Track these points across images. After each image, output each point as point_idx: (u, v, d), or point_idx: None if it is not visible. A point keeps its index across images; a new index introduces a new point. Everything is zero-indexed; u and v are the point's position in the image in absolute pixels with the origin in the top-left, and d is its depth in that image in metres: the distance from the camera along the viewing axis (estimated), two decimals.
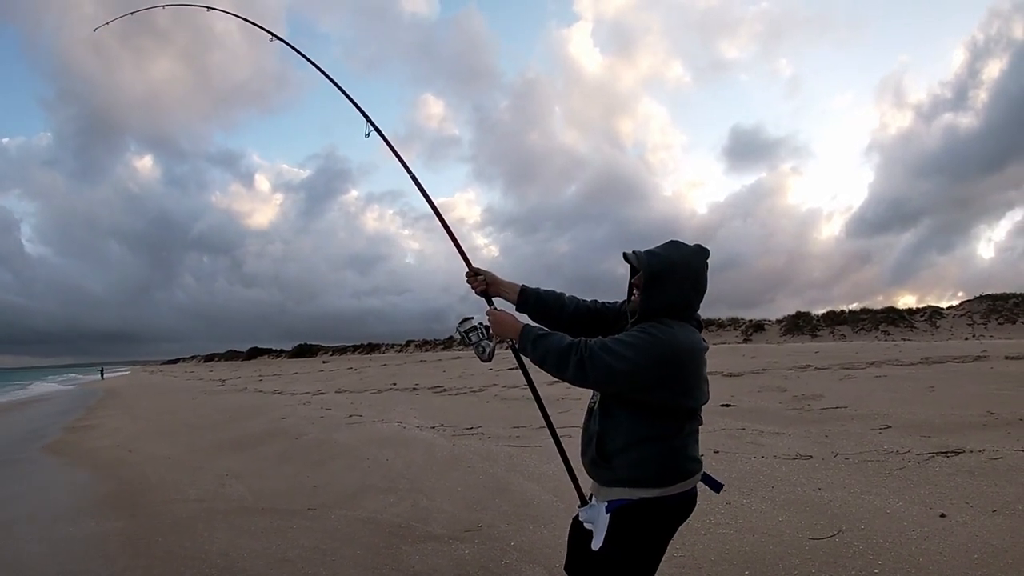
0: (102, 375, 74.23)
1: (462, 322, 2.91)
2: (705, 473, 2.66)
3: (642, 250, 2.59)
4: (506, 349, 2.91)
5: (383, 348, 79.52)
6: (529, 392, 3.11)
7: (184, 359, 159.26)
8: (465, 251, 3.21)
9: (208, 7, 5.20)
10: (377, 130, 3.71)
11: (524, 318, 2.86)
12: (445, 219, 3.34)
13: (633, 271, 2.64)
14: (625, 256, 2.64)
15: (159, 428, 14.18)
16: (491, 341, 2.86)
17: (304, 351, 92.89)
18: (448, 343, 67.02)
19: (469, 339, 2.88)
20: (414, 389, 19.87)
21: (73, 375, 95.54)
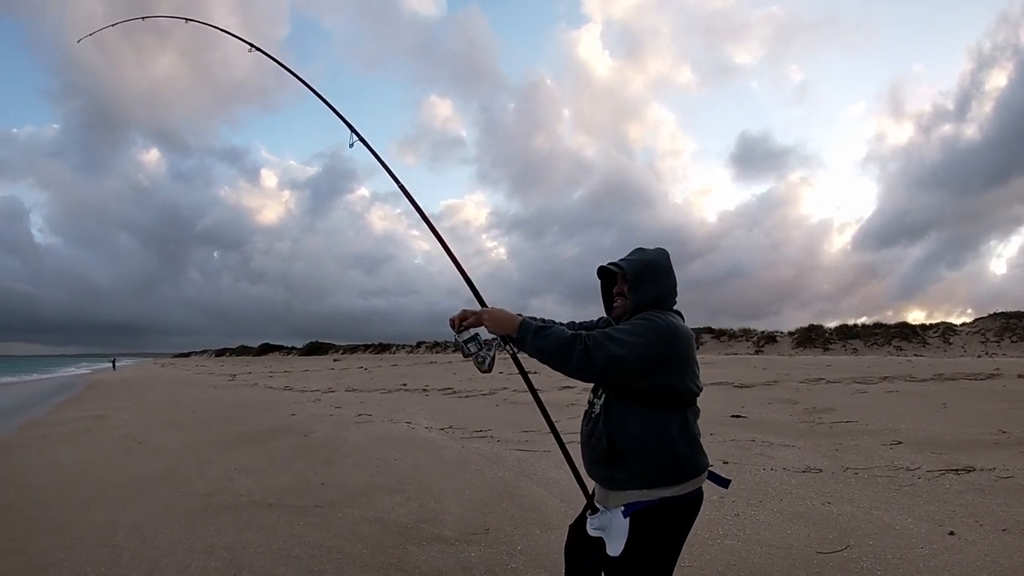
0: (114, 366, 74.55)
1: (461, 331, 2.83)
2: (711, 470, 2.70)
3: (614, 261, 2.78)
4: (504, 356, 2.87)
5: (394, 348, 79.74)
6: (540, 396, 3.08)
7: (195, 353, 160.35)
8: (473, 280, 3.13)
9: (187, 19, 5.23)
10: (362, 140, 3.68)
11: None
12: (439, 232, 3.29)
13: (609, 283, 2.87)
14: (603, 269, 2.82)
15: (169, 420, 14.21)
16: (491, 351, 2.81)
17: (315, 349, 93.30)
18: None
19: (468, 349, 2.81)
20: (424, 390, 19.91)
21: (87, 364, 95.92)
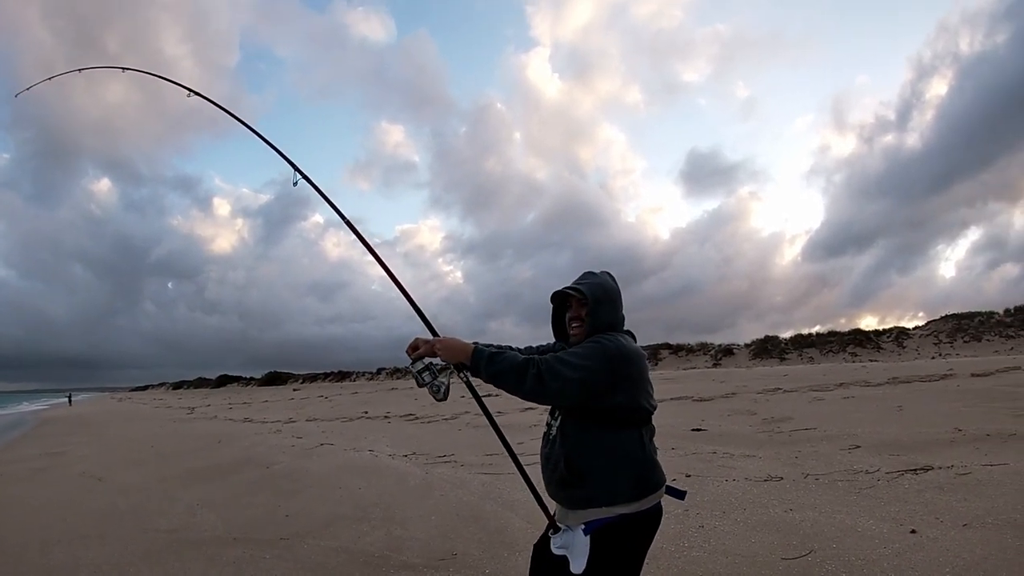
0: (70, 401, 73.00)
1: (414, 362, 2.85)
2: (668, 485, 2.75)
3: (569, 285, 2.82)
4: (460, 380, 2.88)
5: (354, 376, 79.07)
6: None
7: (152, 386, 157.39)
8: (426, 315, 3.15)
9: (124, 68, 5.24)
10: (306, 179, 3.70)
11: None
12: (377, 251, 3.33)
13: (561, 307, 2.93)
14: (557, 294, 2.88)
15: (128, 456, 13.93)
16: (444, 380, 2.82)
17: (274, 379, 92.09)
18: None
19: (423, 379, 2.81)
20: (386, 417, 19.78)
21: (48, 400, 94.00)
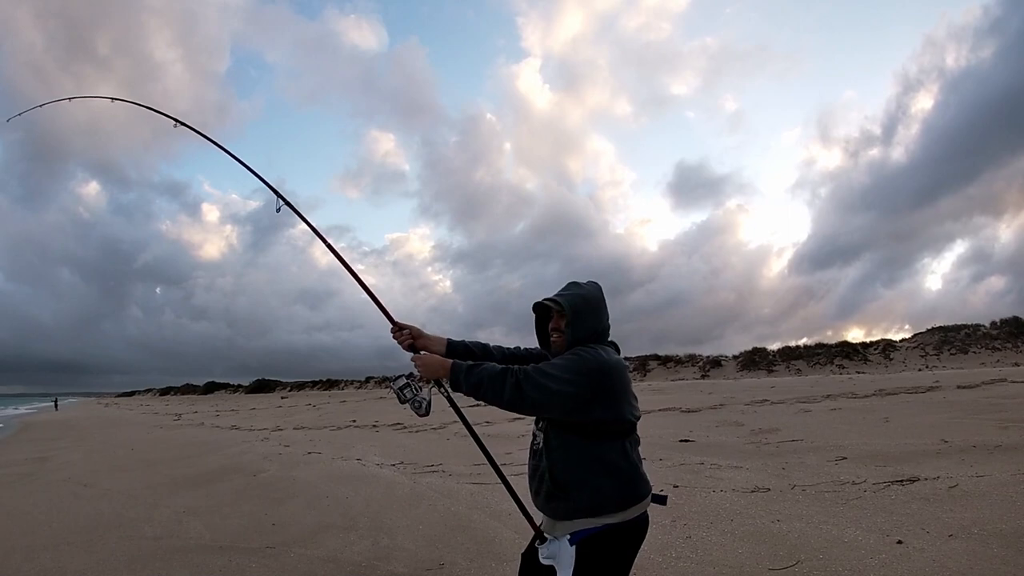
0: (56, 406, 72.50)
1: (395, 379, 2.89)
2: (652, 493, 2.76)
3: (550, 296, 2.83)
4: (440, 392, 2.92)
5: (342, 384, 78.73)
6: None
7: (139, 392, 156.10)
8: (386, 307, 3.21)
9: (112, 98, 5.29)
10: (289, 204, 3.75)
11: None
12: (360, 276, 3.38)
13: (543, 318, 2.93)
14: (538, 305, 2.89)
15: (115, 462, 13.83)
16: (426, 395, 2.86)
17: (262, 387, 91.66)
18: None
19: (404, 396, 2.85)
20: (374, 426, 19.72)
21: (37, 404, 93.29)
